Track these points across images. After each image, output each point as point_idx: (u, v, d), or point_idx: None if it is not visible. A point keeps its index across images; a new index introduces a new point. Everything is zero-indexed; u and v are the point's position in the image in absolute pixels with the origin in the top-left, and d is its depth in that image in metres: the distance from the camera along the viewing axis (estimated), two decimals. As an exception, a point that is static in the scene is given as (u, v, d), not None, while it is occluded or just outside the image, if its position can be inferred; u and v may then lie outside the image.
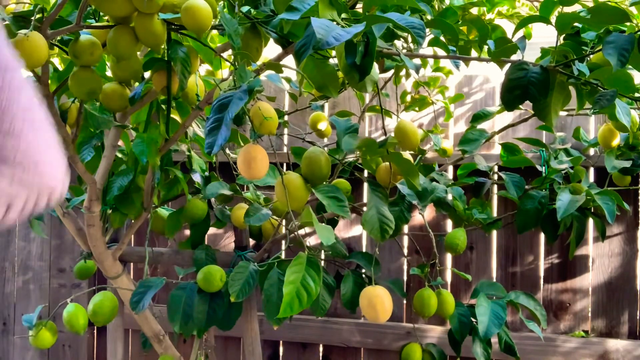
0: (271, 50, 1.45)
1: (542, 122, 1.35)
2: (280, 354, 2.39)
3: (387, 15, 1.11)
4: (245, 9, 1.29)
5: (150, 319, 1.76)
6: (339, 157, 1.51)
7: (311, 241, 2.20)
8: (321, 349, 2.34)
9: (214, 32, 1.71)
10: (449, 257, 2.21)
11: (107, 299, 1.64)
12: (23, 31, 1.12)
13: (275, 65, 1.22)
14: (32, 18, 1.16)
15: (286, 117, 2.13)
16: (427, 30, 1.28)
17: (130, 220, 1.69)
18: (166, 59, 1.30)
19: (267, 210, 1.50)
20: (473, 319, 1.68)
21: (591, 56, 1.35)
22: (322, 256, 1.83)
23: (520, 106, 1.33)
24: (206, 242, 1.93)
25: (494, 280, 2.18)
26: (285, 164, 2.30)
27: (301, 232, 2.00)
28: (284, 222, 1.71)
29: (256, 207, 1.52)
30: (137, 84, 1.44)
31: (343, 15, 1.15)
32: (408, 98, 2.16)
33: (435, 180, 1.76)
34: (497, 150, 2.15)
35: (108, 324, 1.81)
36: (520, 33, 1.46)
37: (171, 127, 1.47)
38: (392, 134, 1.50)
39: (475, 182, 1.88)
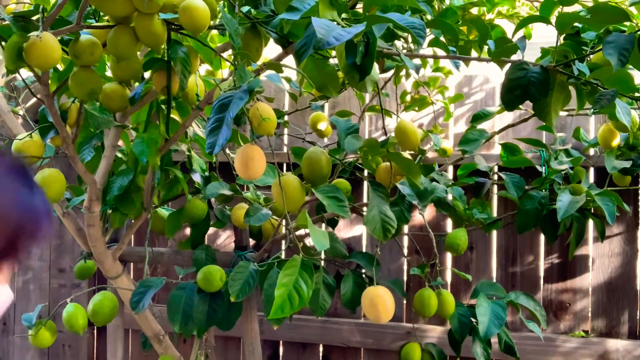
0: (271, 50, 1.45)
1: (542, 122, 1.35)
2: (280, 354, 2.39)
3: (387, 16, 1.11)
4: (245, 9, 1.29)
5: (150, 319, 1.76)
6: (339, 157, 1.51)
7: (311, 241, 2.19)
8: (321, 349, 2.34)
9: (214, 32, 1.71)
10: (449, 257, 2.21)
11: (107, 299, 1.64)
12: (34, 33, 1.12)
13: (275, 65, 1.22)
14: (33, 18, 1.16)
15: (286, 117, 2.13)
16: (427, 30, 1.28)
17: (130, 220, 1.69)
18: (166, 59, 1.30)
19: (267, 210, 1.50)
20: (473, 319, 1.68)
21: (591, 56, 1.35)
22: (322, 256, 1.83)
23: (520, 106, 1.33)
24: (206, 242, 1.93)
25: (494, 280, 2.18)
26: (285, 164, 2.30)
27: (301, 232, 2.00)
28: (284, 222, 1.71)
29: (256, 207, 1.52)
30: (137, 84, 1.44)
31: (343, 15, 1.15)
32: (408, 98, 2.16)
33: (435, 180, 1.76)
34: (497, 150, 2.15)
35: (108, 324, 1.81)
36: (520, 33, 1.46)
37: (171, 127, 1.47)
38: (392, 134, 1.50)
39: (475, 182, 1.88)
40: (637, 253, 2.09)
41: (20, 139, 1.42)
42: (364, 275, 1.65)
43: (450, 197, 1.73)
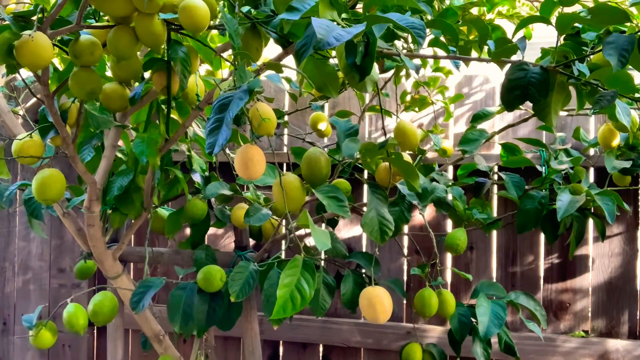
0: (271, 50, 1.45)
1: (542, 122, 1.35)
2: (280, 354, 2.39)
3: (387, 16, 1.11)
4: (245, 9, 1.29)
5: (150, 319, 1.76)
6: (339, 158, 1.51)
7: (311, 241, 2.19)
8: (321, 349, 2.34)
9: (214, 32, 1.71)
10: (449, 257, 2.21)
11: (107, 299, 1.64)
12: (27, 32, 1.12)
13: (275, 65, 1.22)
14: (32, 18, 1.16)
15: (286, 117, 2.13)
16: (427, 30, 1.28)
17: (130, 220, 1.69)
18: (166, 59, 1.30)
19: (267, 211, 1.50)
20: (473, 319, 1.68)
21: (591, 56, 1.35)
22: (322, 256, 1.83)
23: (520, 106, 1.33)
24: (206, 242, 1.93)
25: (494, 280, 2.18)
26: (285, 164, 2.30)
27: (302, 232, 2.00)
28: (284, 222, 1.71)
29: (256, 207, 1.52)
30: (137, 84, 1.44)
31: (343, 16, 1.15)
32: (408, 98, 2.16)
33: (435, 180, 1.76)
34: (497, 150, 2.15)
35: (108, 324, 1.81)
36: (521, 33, 1.46)
37: (171, 127, 1.47)
38: (392, 134, 1.50)
39: (475, 182, 1.89)
40: (637, 253, 2.09)
41: (20, 139, 1.42)
42: (364, 275, 1.65)
43: (450, 197, 1.73)
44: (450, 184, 1.77)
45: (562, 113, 1.62)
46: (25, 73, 1.76)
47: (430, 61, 1.97)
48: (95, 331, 2.56)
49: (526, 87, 1.27)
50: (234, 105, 1.10)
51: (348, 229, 2.29)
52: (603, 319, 2.11)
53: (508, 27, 1.72)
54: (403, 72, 1.90)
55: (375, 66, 1.28)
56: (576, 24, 1.32)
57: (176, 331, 1.57)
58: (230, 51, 1.31)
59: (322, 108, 2.14)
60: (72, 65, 1.35)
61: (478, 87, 2.25)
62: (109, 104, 1.40)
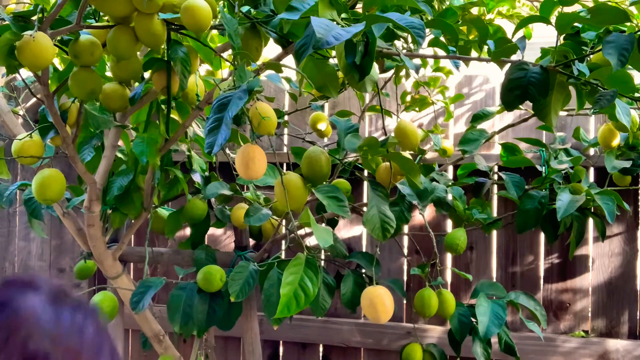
0: (271, 50, 1.45)
1: (542, 122, 1.35)
2: (280, 354, 2.39)
3: (387, 15, 1.11)
4: (245, 8, 1.29)
5: (150, 319, 1.75)
6: (339, 157, 1.51)
7: (311, 241, 2.19)
8: (321, 349, 2.34)
9: (214, 32, 1.71)
10: (449, 257, 2.21)
11: (107, 299, 1.64)
12: (28, 32, 1.12)
13: (275, 65, 1.22)
14: (32, 18, 1.16)
15: (286, 117, 2.13)
16: (427, 30, 1.28)
17: (130, 220, 1.69)
18: (166, 59, 1.30)
19: (267, 210, 1.50)
20: (473, 319, 1.68)
21: (591, 56, 1.35)
22: (322, 256, 1.83)
23: (520, 106, 1.33)
24: (206, 242, 1.93)
25: (494, 280, 2.18)
26: (285, 164, 2.30)
27: (302, 232, 2.01)
28: (284, 222, 1.71)
29: (256, 207, 1.52)
30: (137, 84, 1.44)
31: (343, 15, 1.15)
32: (408, 98, 2.16)
33: (435, 180, 1.76)
34: (497, 150, 2.15)
35: (108, 324, 1.81)
36: (520, 33, 1.46)
37: (171, 127, 1.47)
38: (392, 134, 1.50)
39: (475, 182, 1.88)
40: (637, 253, 2.09)
41: (20, 139, 1.42)
42: (364, 275, 1.65)
43: (450, 197, 1.73)
44: (450, 184, 1.77)
45: (562, 113, 1.62)
46: (25, 73, 1.76)
47: (431, 61, 1.97)
48: (95, 331, 2.56)
49: (526, 87, 1.27)
50: (233, 105, 1.10)
51: (348, 229, 2.29)
52: (603, 319, 2.11)
53: (508, 27, 1.72)
54: (403, 72, 1.90)
55: (375, 66, 1.28)
56: (576, 24, 1.32)
57: (176, 331, 1.57)
58: (230, 51, 1.31)
59: (322, 108, 2.14)
60: (72, 65, 1.35)
61: (478, 87, 2.25)
62: (109, 104, 1.40)
